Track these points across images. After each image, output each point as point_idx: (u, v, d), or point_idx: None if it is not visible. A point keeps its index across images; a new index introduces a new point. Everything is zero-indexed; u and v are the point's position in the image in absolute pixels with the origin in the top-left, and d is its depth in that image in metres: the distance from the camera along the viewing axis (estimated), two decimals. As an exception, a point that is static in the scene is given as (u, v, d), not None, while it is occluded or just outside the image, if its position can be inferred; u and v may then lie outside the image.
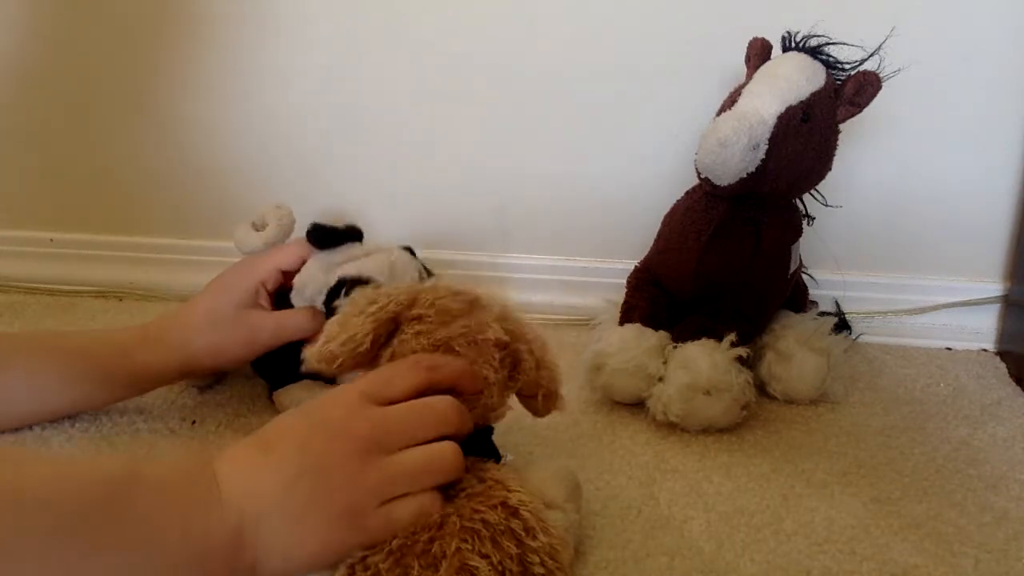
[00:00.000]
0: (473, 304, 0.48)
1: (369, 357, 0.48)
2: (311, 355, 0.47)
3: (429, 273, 0.69)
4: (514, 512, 0.43)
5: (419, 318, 0.47)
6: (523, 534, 0.42)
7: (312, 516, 0.41)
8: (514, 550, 0.42)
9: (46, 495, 0.37)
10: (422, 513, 0.42)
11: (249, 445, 0.44)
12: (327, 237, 0.64)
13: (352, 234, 0.66)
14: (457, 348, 0.47)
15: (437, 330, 0.47)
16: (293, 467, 0.41)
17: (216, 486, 0.41)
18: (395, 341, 0.48)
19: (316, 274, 0.64)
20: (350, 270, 0.63)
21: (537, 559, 0.42)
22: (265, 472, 0.42)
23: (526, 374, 0.49)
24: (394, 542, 0.42)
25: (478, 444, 0.48)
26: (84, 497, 0.38)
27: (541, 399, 0.50)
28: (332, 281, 0.63)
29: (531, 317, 0.89)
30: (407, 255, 0.67)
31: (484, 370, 0.47)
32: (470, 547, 0.41)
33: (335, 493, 0.41)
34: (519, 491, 0.44)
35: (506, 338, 0.48)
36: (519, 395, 0.51)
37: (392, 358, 0.48)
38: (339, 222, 0.66)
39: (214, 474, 0.41)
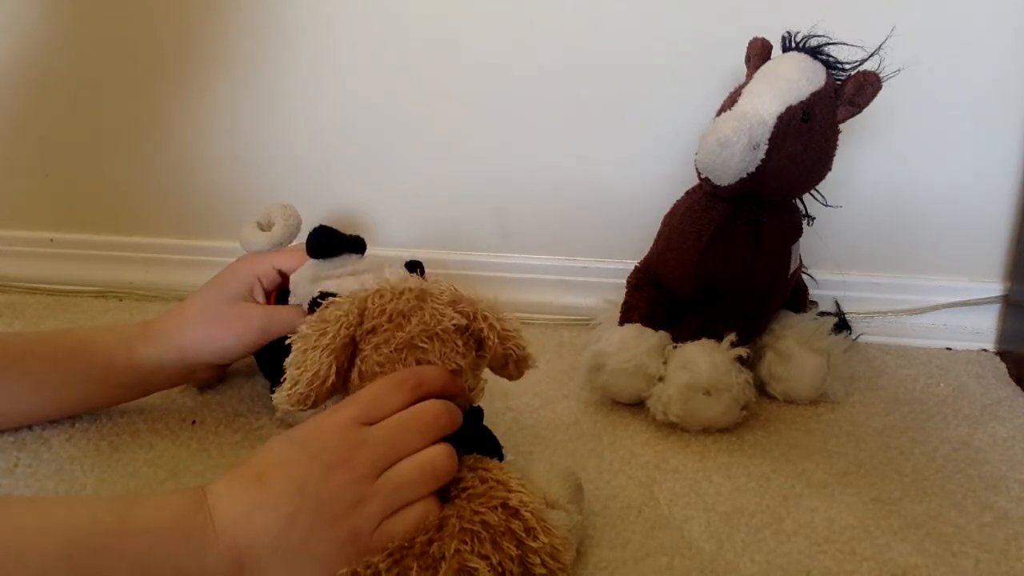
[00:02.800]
0: (422, 297, 0.48)
1: (339, 385, 0.47)
2: (281, 400, 0.46)
3: None
4: (515, 513, 0.43)
5: (373, 330, 0.47)
6: (524, 535, 0.42)
7: (315, 547, 0.41)
8: (514, 551, 0.42)
9: (30, 545, 0.37)
10: (420, 521, 0.43)
11: (241, 477, 0.43)
12: (322, 247, 0.64)
13: (352, 245, 0.65)
14: (421, 345, 0.46)
15: (395, 335, 0.46)
16: (293, 500, 0.41)
17: (211, 524, 0.40)
18: (358, 360, 0.47)
19: (305, 281, 0.64)
20: (331, 287, 0.63)
21: (538, 560, 0.42)
22: (263, 506, 0.41)
23: (492, 349, 0.48)
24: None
25: (471, 431, 0.48)
26: (71, 546, 0.37)
27: (512, 367, 0.50)
28: (315, 293, 0.63)
29: (531, 317, 0.90)
30: (403, 274, 0.66)
31: (454, 359, 0.47)
32: (469, 548, 0.41)
33: (337, 523, 0.41)
34: (520, 491, 0.44)
35: (464, 321, 0.47)
36: (491, 367, 0.51)
37: (360, 376, 0.47)
38: (345, 230, 0.65)
39: (208, 511, 0.41)
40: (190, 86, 0.92)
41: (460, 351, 0.47)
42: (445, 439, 0.45)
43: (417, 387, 0.45)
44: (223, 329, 0.63)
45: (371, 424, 0.44)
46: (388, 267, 0.66)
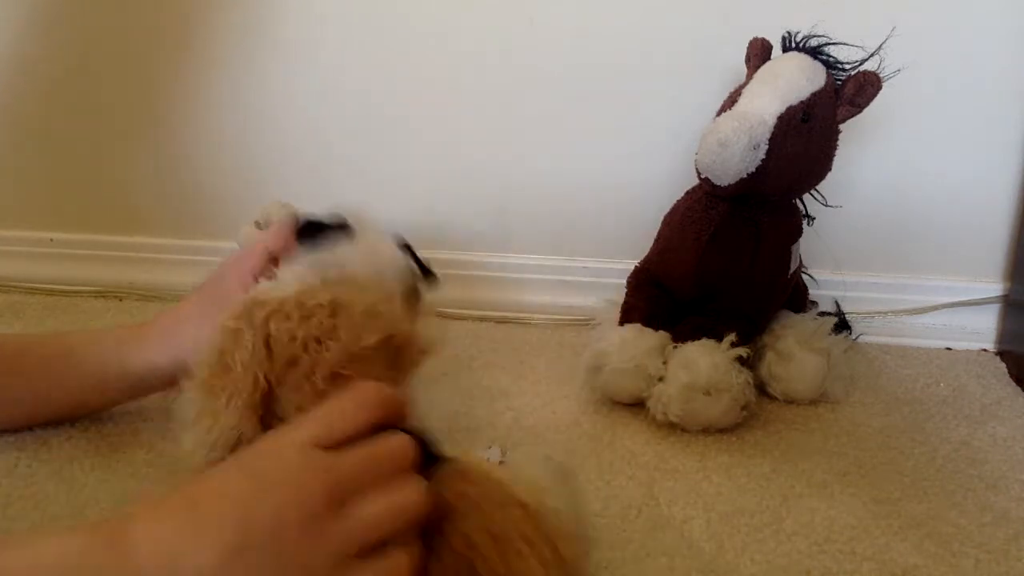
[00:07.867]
0: (334, 312, 0.41)
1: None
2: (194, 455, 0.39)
3: (425, 271, 0.68)
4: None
5: (292, 362, 0.40)
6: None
7: None
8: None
9: None
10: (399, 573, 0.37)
11: (172, 505, 0.36)
12: (312, 235, 0.61)
13: (339, 227, 0.62)
14: (344, 373, 0.40)
15: (314, 370, 0.40)
16: (233, 532, 0.35)
17: (128, 563, 0.34)
18: (276, 408, 0.41)
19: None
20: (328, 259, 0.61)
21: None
22: (196, 540, 0.34)
23: (410, 361, 0.43)
24: None
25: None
26: None
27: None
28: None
29: (531, 317, 0.90)
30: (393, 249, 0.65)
31: (384, 376, 0.41)
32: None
33: (288, 559, 0.35)
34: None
35: (383, 334, 0.40)
36: None
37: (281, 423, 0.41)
38: (330, 217, 0.64)
39: (125, 549, 0.34)
40: (190, 86, 0.92)
41: (384, 366, 0.41)
42: None
43: (379, 407, 0.40)
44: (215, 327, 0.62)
45: (331, 447, 0.38)
46: (383, 243, 0.65)
